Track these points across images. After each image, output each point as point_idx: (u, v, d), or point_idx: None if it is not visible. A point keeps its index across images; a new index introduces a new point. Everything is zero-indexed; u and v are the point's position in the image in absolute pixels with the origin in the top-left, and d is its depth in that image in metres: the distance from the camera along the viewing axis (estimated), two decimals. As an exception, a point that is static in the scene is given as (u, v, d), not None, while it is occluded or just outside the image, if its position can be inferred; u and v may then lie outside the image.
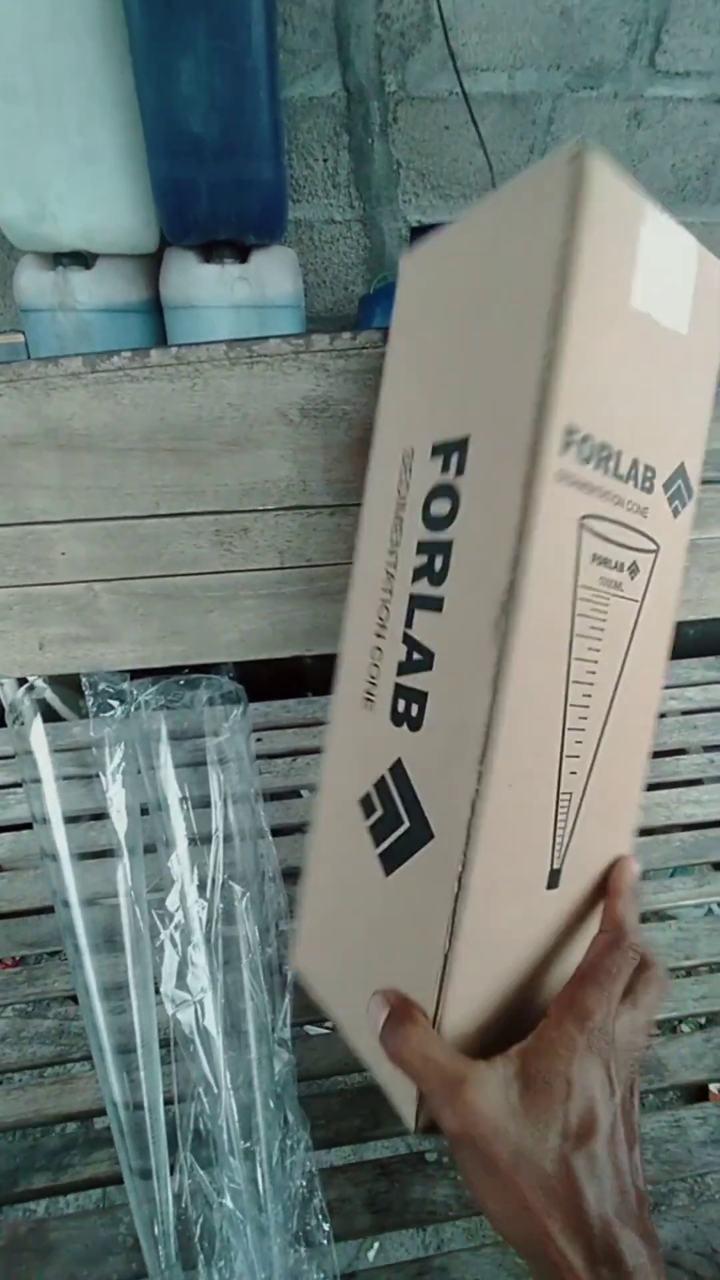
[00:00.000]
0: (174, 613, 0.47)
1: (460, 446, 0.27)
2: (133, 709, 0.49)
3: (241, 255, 0.97)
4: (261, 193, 0.93)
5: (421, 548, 0.29)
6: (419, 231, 1.11)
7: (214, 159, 0.88)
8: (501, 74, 1.02)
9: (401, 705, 0.29)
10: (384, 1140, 0.35)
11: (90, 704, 0.48)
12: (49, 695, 0.85)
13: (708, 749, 0.58)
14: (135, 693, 0.50)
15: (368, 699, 0.31)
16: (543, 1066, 0.23)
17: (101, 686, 0.50)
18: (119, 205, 0.94)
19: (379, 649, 0.31)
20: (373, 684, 0.31)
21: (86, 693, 0.49)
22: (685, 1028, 0.49)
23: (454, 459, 0.28)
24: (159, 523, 0.44)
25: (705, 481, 0.49)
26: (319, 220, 1.13)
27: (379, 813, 0.30)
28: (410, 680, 0.29)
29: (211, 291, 0.99)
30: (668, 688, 0.64)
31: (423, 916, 0.27)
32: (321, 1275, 0.30)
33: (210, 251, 0.97)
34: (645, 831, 0.52)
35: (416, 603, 0.29)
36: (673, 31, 0.99)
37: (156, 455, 0.42)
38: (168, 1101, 0.35)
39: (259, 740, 0.51)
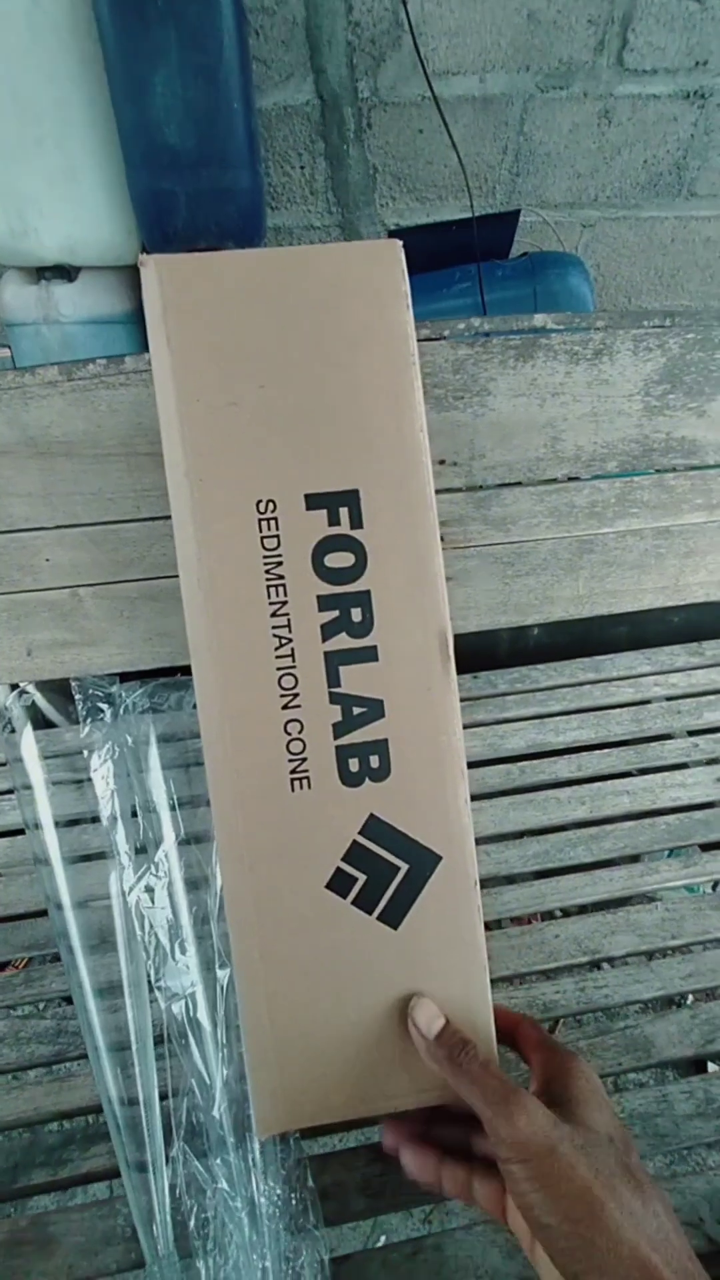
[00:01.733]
0: (159, 615, 0.48)
1: (349, 499, 0.28)
2: (121, 712, 0.50)
3: (221, 263, 0.98)
4: (240, 201, 0.94)
5: (327, 603, 0.28)
6: (396, 233, 1.12)
7: (191, 169, 0.89)
8: (472, 77, 1.03)
9: (354, 764, 0.29)
10: (376, 1126, 0.36)
11: (80, 708, 0.49)
12: (39, 701, 0.85)
13: (692, 733, 0.59)
14: (124, 695, 0.50)
15: (297, 779, 0.29)
16: (587, 1106, 0.25)
17: (90, 691, 0.50)
18: (100, 218, 0.95)
19: (296, 722, 0.29)
20: (299, 761, 0.29)
21: (76, 697, 0.50)
22: (673, 1006, 0.49)
23: (343, 511, 0.28)
24: (141, 526, 0.45)
25: (672, 470, 0.50)
26: (298, 227, 1.14)
27: (362, 879, 0.29)
28: (356, 737, 0.29)
29: (193, 300, 1.00)
30: (651, 675, 0.65)
31: (454, 934, 0.29)
32: (315, 1257, 0.31)
33: (190, 260, 0.98)
34: (633, 816, 0.53)
35: (338, 659, 0.28)
36: (638, 30, 1.01)
37: (135, 460, 0.43)
38: (162, 1096, 0.35)
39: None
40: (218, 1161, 0.32)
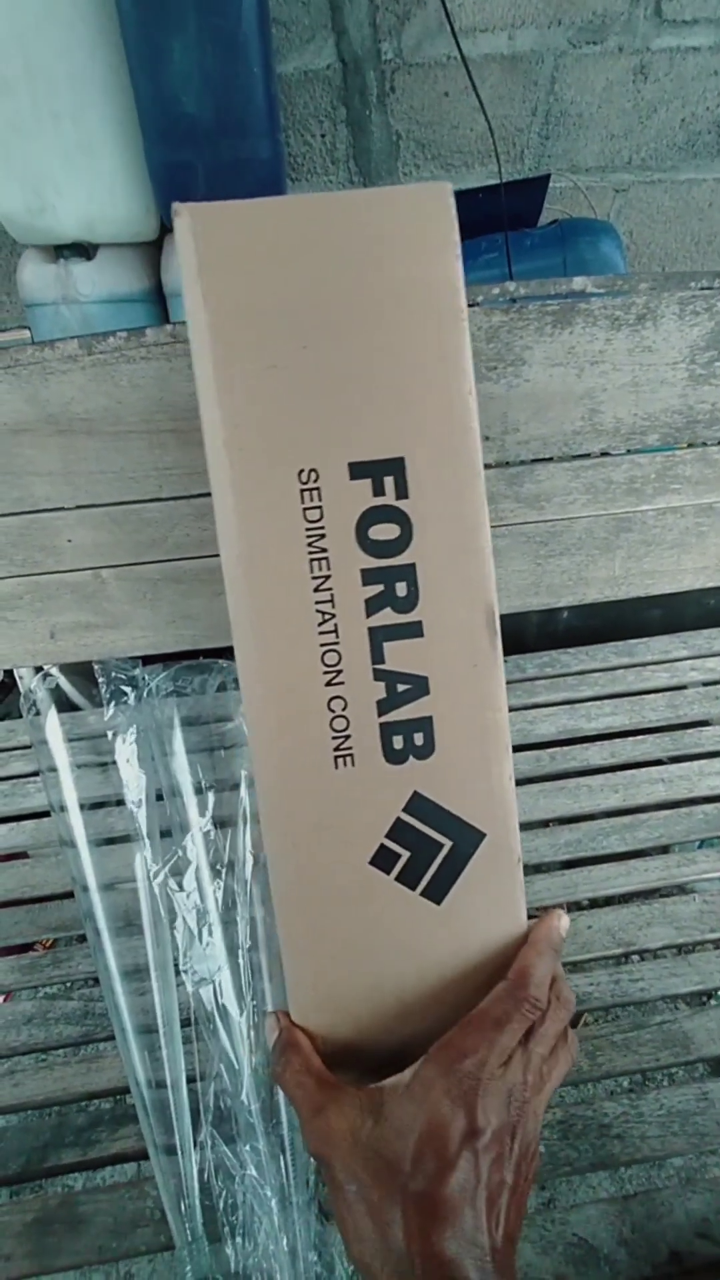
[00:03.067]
0: (183, 597, 0.47)
1: (394, 467, 0.27)
2: (145, 695, 0.49)
3: (241, 238, 0.96)
4: (259, 172, 0.91)
5: (371, 576, 0.27)
6: (421, 204, 1.08)
7: (210, 140, 0.87)
8: (501, 34, 0.99)
9: (399, 742, 0.28)
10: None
11: (103, 691, 0.48)
12: (63, 684, 0.86)
13: (731, 720, 0.57)
14: (147, 679, 0.50)
15: (341, 757, 0.28)
16: (398, 1105, 0.24)
17: (114, 674, 0.50)
18: (117, 193, 0.93)
19: (339, 699, 0.28)
20: (343, 738, 0.28)
21: (99, 680, 0.49)
22: (713, 1001, 0.48)
23: (388, 481, 0.27)
24: (163, 506, 0.44)
25: (718, 443, 0.47)
26: (319, 198, 1.11)
27: (405, 856, 0.28)
28: (401, 714, 0.28)
29: (213, 276, 0.98)
30: (688, 659, 0.63)
31: (497, 910, 0.29)
32: (341, 1247, 0.30)
33: (210, 236, 0.96)
34: (668, 805, 0.51)
35: (382, 635, 0.28)
36: (680, -23, 0.95)
37: (157, 437, 0.41)
38: (190, 1079, 0.35)
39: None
40: (246, 1148, 0.32)
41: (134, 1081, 0.35)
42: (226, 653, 0.53)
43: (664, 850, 0.50)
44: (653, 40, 1.00)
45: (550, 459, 0.45)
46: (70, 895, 0.49)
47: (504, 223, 0.96)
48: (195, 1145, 0.33)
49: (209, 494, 0.44)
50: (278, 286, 0.26)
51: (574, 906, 0.46)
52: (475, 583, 0.27)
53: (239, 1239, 0.30)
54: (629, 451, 0.46)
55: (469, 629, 0.27)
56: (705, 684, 0.59)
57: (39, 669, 0.83)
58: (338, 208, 0.26)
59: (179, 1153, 0.33)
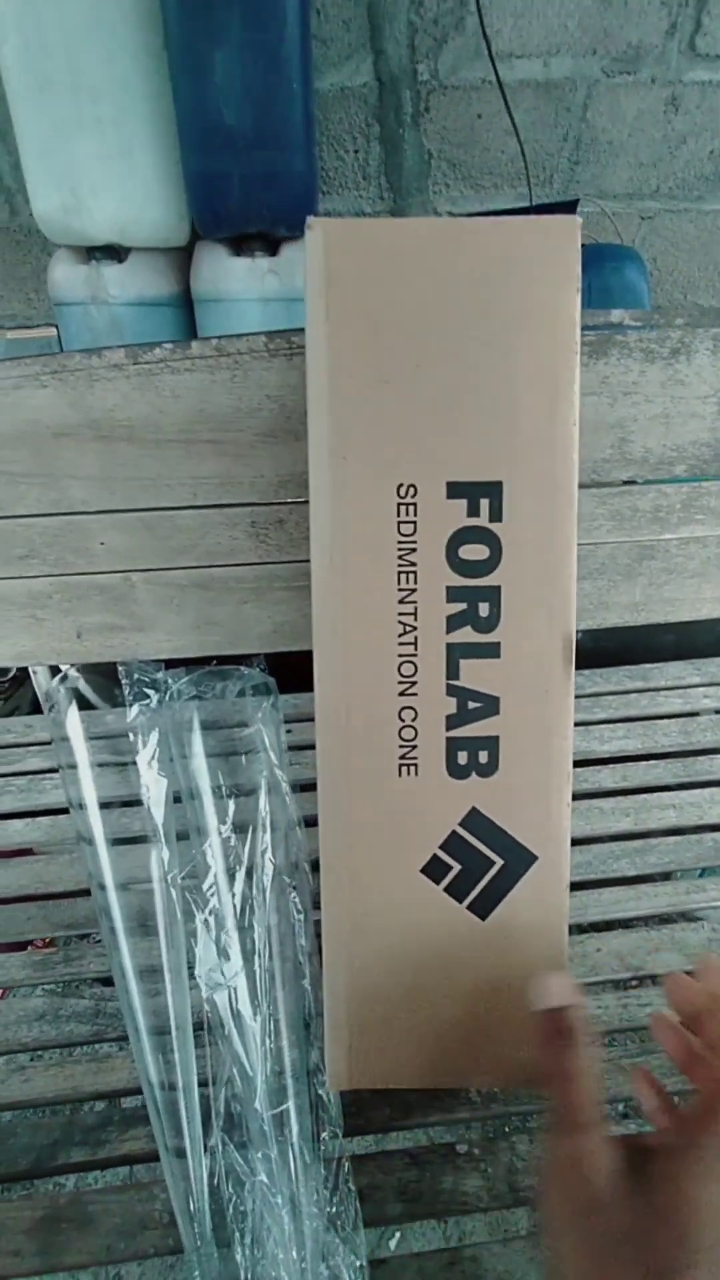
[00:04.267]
0: (209, 603, 0.48)
1: (491, 490, 0.28)
2: (167, 698, 0.50)
3: (272, 248, 0.97)
4: (293, 185, 0.93)
5: (455, 594, 0.28)
6: (450, 222, 1.10)
7: (246, 152, 0.88)
8: (536, 61, 1.01)
9: (463, 757, 0.29)
10: (413, 1131, 0.35)
11: (126, 692, 0.49)
12: (80, 683, 0.86)
13: (742, 749, 0.57)
14: (170, 682, 0.50)
15: (406, 765, 0.29)
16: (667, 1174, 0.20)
17: (136, 675, 0.50)
18: (152, 199, 0.94)
19: (410, 709, 0.29)
20: (410, 748, 0.29)
21: (123, 681, 0.50)
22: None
23: (484, 503, 0.28)
24: (196, 514, 0.44)
25: (745, 476, 0.48)
26: (349, 212, 1.12)
27: (456, 869, 0.29)
28: (468, 731, 0.29)
29: (242, 284, 0.99)
30: (701, 686, 0.63)
31: (540, 933, 0.30)
32: (353, 1258, 0.31)
33: (241, 244, 0.97)
34: (677, 831, 0.52)
35: (459, 652, 0.28)
36: (714, 13, 0.97)
37: (195, 446, 0.42)
38: (202, 1083, 0.35)
39: (289, 732, 0.51)
40: (258, 1155, 0.32)
41: (146, 1082, 0.35)
42: (246, 661, 0.54)
43: (667, 876, 0.50)
44: (685, 73, 1.01)
45: (581, 485, 0.46)
46: (82, 893, 0.50)
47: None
48: (206, 1150, 0.33)
49: (241, 504, 0.45)
50: (398, 304, 0.27)
51: (584, 929, 0.47)
52: (557, 611, 0.28)
53: (247, 1245, 0.30)
54: (656, 481, 0.47)
55: (546, 655, 0.28)
56: (717, 711, 0.60)
57: (55, 669, 0.83)
58: (464, 233, 0.27)
59: (189, 1156, 0.33)
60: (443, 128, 1.05)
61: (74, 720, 0.49)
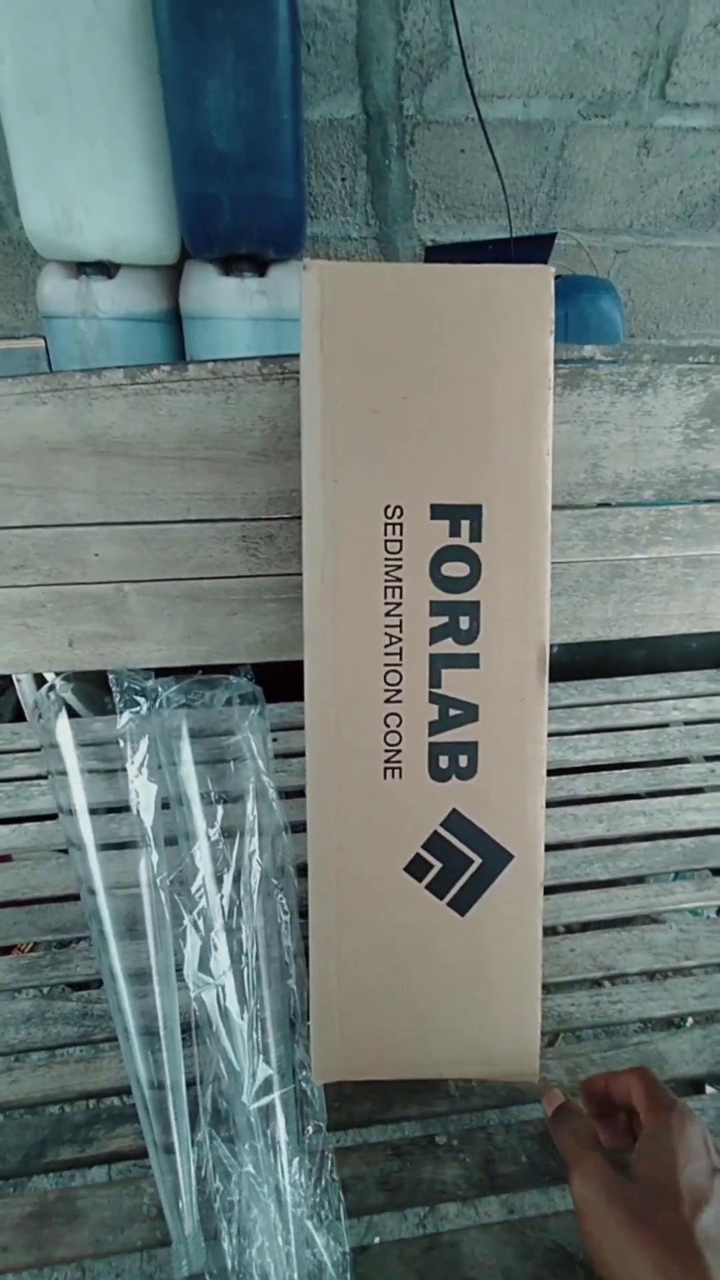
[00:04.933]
0: (199, 614, 0.49)
1: (471, 513, 0.30)
2: (156, 706, 0.51)
3: (260, 269, 1.00)
4: (282, 209, 0.95)
5: (438, 608, 0.30)
6: (434, 250, 1.14)
7: (238, 175, 0.91)
8: (516, 101, 1.05)
9: (444, 761, 0.31)
10: (394, 1124, 0.37)
11: (116, 700, 0.50)
12: (68, 693, 0.86)
13: (709, 759, 0.60)
14: (160, 690, 0.51)
15: (390, 768, 0.31)
16: (642, 1160, 0.27)
17: (126, 684, 0.51)
18: (143, 217, 0.96)
19: (395, 716, 0.31)
20: (394, 752, 0.31)
21: (113, 689, 0.51)
22: (686, 1025, 0.50)
23: (465, 524, 0.30)
24: (189, 528, 0.46)
25: (707, 501, 0.51)
26: (335, 237, 1.16)
27: (438, 867, 0.31)
28: (449, 736, 0.31)
29: (230, 303, 1.01)
30: (671, 698, 0.66)
31: (516, 927, 0.32)
32: (336, 1246, 0.32)
33: (230, 264, 0.99)
34: (648, 836, 0.54)
35: (441, 662, 0.30)
36: (682, 65, 1.03)
37: (189, 464, 0.44)
38: (190, 1082, 0.36)
39: (275, 740, 0.52)
40: (245, 1147, 0.33)
41: (135, 1081, 0.36)
42: (233, 670, 0.55)
43: (639, 880, 0.52)
44: (656, 118, 1.07)
45: (555, 506, 0.48)
46: (68, 898, 0.50)
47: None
48: (194, 1144, 0.34)
49: (233, 519, 0.47)
50: (387, 341, 0.29)
51: (559, 930, 0.49)
52: (532, 624, 0.31)
53: (234, 1235, 0.31)
54: (626, 504, 0.50)
55: (521, 666, 0.30)
56: (686, 723, 0.63)
57: (40, 679, 0.83)
58: (448, 278, 0.29)
59: (177, 1151, 0.34)
60: (427, 160, 1.09)
61: (64, 727, 0.50)
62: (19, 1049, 0.40)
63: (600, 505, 0.50)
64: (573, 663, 0.75)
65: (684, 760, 0.60)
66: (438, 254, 1.13)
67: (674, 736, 0.61)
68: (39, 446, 0.42)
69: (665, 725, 0.63)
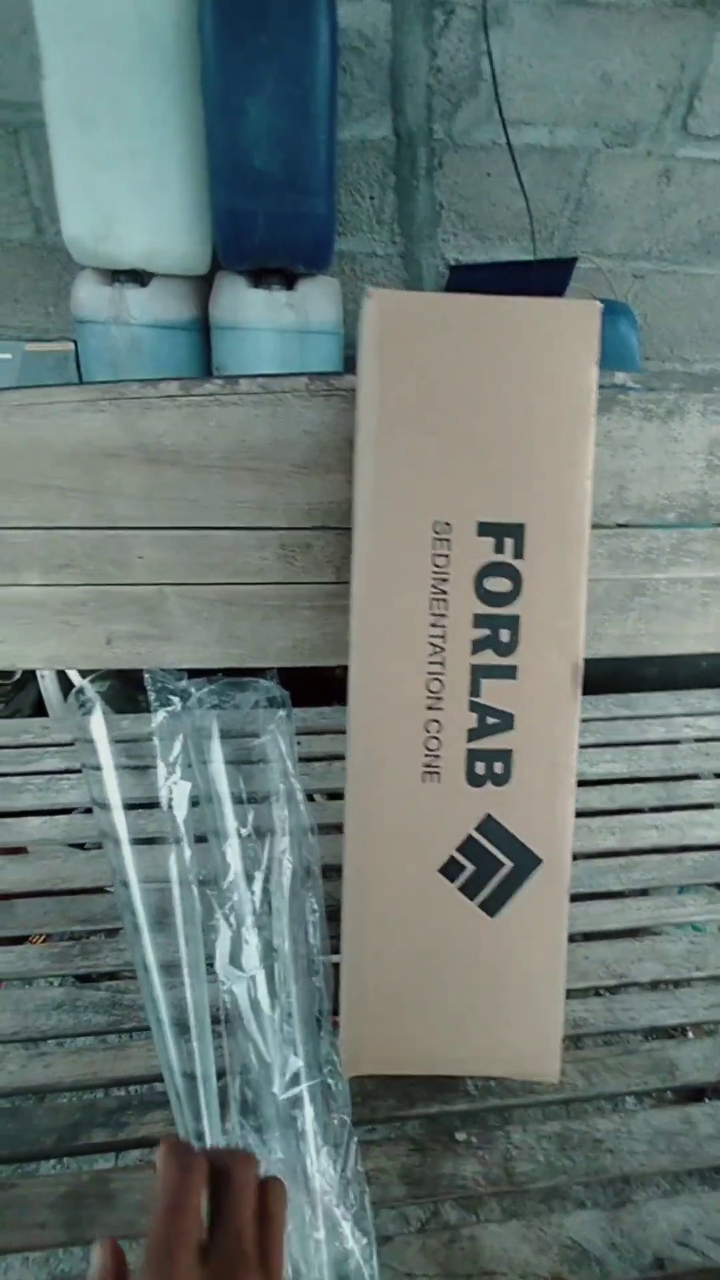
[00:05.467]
0: (235, 618, 0.51)
1: (515, 531, 0.32)
2: (189, 706, 0.52)
3: (289, 282, 1.02)
4: (313, 226, 0.98)
5: (480, 621, 0.32)
6: (457, 269, 1.16)
7: (273, 193, 0.93)
8: (543, 128, 1.08)
9: (480, 768, 0.32)
10: (416, 1120, 0.38)
11: (151, 699, 0.51)
12: (91, 692, 0.88)
13: (719, 775, 0.61)
14: (193, 691, 0.53)
15: (429, 773, 0.32)
16: None
17: (160, 684, 0.53)
18: (178, 230, 0.99)
19: (436, 722, 0.32)
20: (434, 757, 0.32)
21: (149, 689, 0.52)
22: (691, 1034, 0.51)
23: (509, 542, 0.32)
24: (231, 534, 0.47)
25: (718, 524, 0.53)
26: (361, 253, 1.18)
27: (470, 869, 0.33)
28: (486, 743, 0.32)
29: (258, 315, 1.04)
30: (682, 716, 0.68)
31: (542, 930, 0.34)
32: (360, 1235, 0.33)
33: (260, 277, 1.02)
34: (659, 850, 0.55)
35: (481, 672, 0.32)
36: (705, 98, 1.06)
37: (235, 473, 0.45)
38: (221, 1073, 0.37)
39: (299, 744, 0.54)
40: (274, 1136, 0.34)
41: (167, 1069, 0.37)
42: (258, 673, 0.57)
43: (643, 892, 0.54)
44: (678, 149, 1.10)
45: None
46: (97, 890, 0.52)
47: (534, 295, 1.04)
48: (224, 1132, 0.35)
49: (273, 528, 0.49)
50: (441, 366, 0.31)
51: (574, 938, 0.50)
52: (568, 639, 0.32)
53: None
54: (649, 525, 0.51)
55: (557, 678, 0.32)
56: (697, 740, 0.64)
57: (62, 674, 0.85)
58: (501, 310, 0.31)
59: (207, 1138, 0.35)
60: (454, 182, 1.11)
61: (99, 724, 0.51)
62: (50, 1035, 0.41)
63: (624, 526, 0.52)
64: (587, 677, 0.77)
65: (695, 777, 0.61)
66: (460, 273, 1.15)
67: (685, 753, 0.63)
68: (92, 451, 0.44)
69: (677, 742, 0.64)
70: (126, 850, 0.45)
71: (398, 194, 1.13)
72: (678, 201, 1.14)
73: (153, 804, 0.50)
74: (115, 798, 0.47)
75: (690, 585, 0.54)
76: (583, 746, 0.64)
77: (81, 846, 0.58)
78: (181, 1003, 0.39)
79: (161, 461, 0.45)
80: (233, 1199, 0.23)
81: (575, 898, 0.52)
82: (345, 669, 0.50)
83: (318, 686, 0.71)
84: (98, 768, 0.49)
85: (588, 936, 0.49)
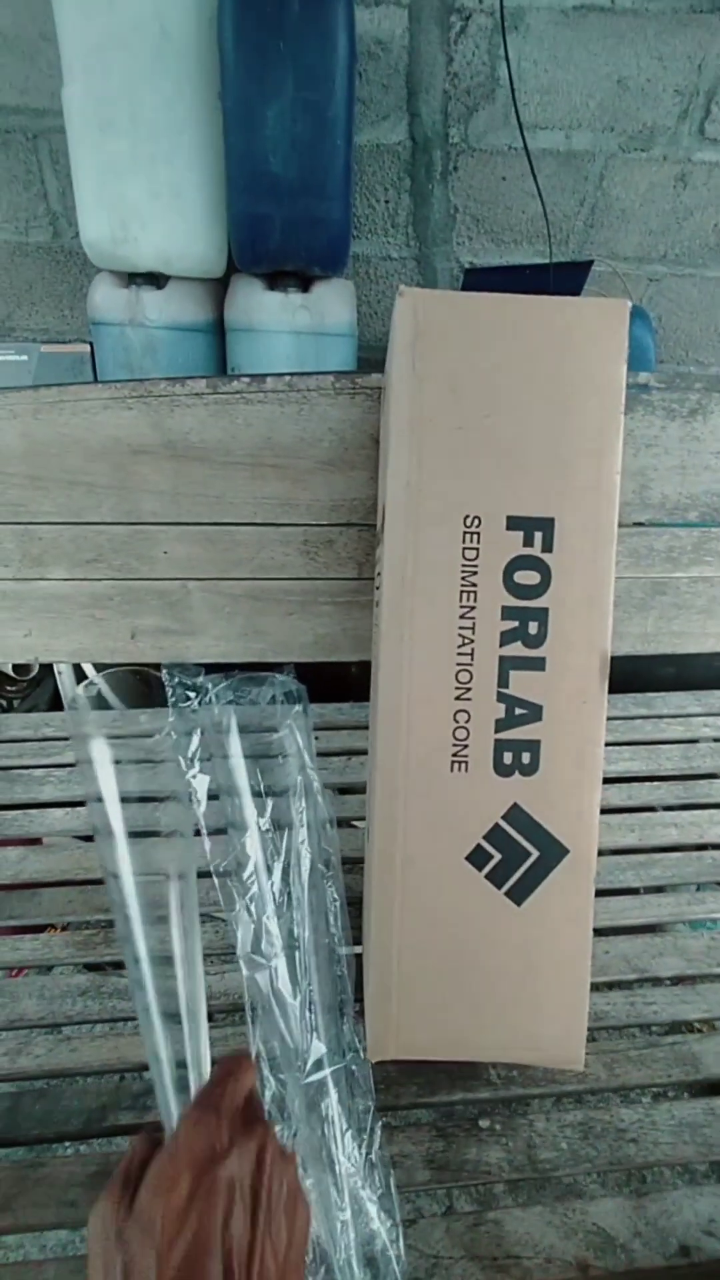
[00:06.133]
0: (257, 613, 0.51)
1: (545, 525, 0.32)
2: (206, 701, 0.53)
3: (304, 285, 1.04)
4: (330, 230, 0.99)
5: (509, 613, 0.32)
6: (472, 272, 1.17)
7: (290, 198, 0.95)
8: (559, 133, 1.09)
9: (508, 758, 0.33)
10: (439, 1108, 0.38)
11: (169, 694, 0.52)
12: (103, 688, 0.89)
13: (737, 775, 0.61)
14: (210, 686, 0.53)
15: (457, 762, 0.33)
16: None
17: (178, 679, 0.54)
18: (195, 233, 1.00)
19: (464, 713, 0.32)
20: (462, 747, 0.33)
21: (166, 684, 0.53)
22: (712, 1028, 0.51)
23: (538, 536, 0.32)
24: (255, 530, 0.48)
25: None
26: (376, 256, 1.19)
27: (497, 858, 0.33)
28: (514, 734, 0.33)
29: (274, 317, 1.05)
30: (701, 715, 0.68)
31: (568, 918, 0.34)
32: (386, 1217, 0.33)
33: (275, 280, 1.03)
34: (678, 848, 0.55)
35: (510, 664, 0.32)
36: (722, 103, 1.06)
37: (260, 470, 0.46)
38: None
39: (316, 739, 0.54)
40: (299, 1119, 0.35)
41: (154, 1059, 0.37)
42: (275, 670, 0.57)
43: (658, 889, 0.54)
44: (694, 153, 1.10)
45: (602, 524, 0.51)
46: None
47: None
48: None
49: (296, 524, 0.49)
50: (473, 364, 0.32)
51: (594, 933, 0.50)
52: (596, 631, 0.33)
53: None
54: (671, 524, 0.51)
55: (585, 670, 0.32)
56: (716, 739, 0.64)
57: (77, 668, 0.86)
58: (532, 309, 0.32)
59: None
60: (469, 186, 1.12)
61: (103, 720, 0.52)
62: (76, 1020, 0.42)
63: (646, 524, 0.52)
64: (603, 677, 0.77)
65: (714, 776, 0.61)
66: (476, 276, 1.16)
67: (704, 752, 0.63)
68: (121, 449, 0.45)
69: (695, 741, 0.64)
70: (121, 844, 0.46)
71: (413, 198, 1.14)
72: (694, 205, 1.15)
73: (155, 798, 0.51)
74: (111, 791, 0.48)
75: (712, 584, 0.54)
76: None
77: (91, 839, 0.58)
78: (174, 992, 0.40)
79: (188, 458, 0.45)
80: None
81: (596, 893, 0.52)
82: (361, 666, 0.51)
83: (335, 683, 0.72)
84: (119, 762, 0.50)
85: (608, 932, 0.49)
